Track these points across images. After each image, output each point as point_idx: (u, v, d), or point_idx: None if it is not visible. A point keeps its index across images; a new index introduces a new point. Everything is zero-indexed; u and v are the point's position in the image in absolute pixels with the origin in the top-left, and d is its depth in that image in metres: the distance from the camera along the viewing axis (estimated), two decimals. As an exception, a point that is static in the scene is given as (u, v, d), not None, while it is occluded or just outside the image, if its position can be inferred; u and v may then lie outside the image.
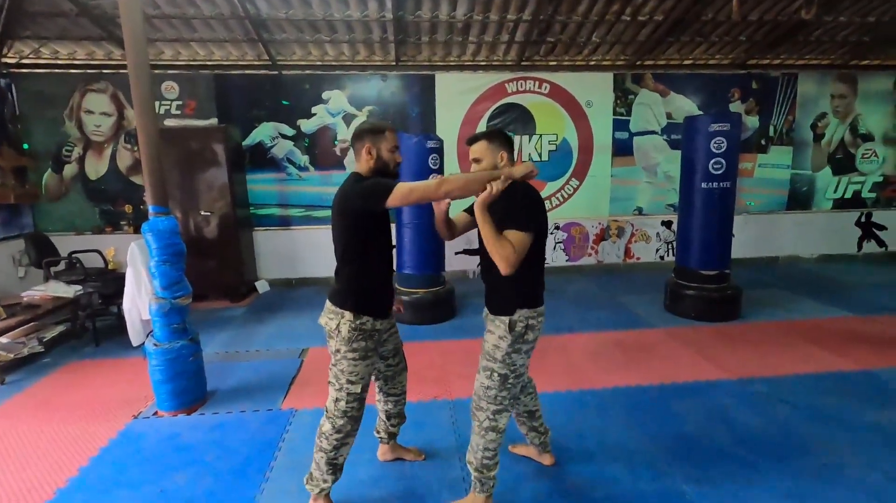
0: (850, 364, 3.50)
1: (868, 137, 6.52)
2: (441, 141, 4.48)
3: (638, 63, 6.04)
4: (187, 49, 5.43)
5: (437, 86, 5.85)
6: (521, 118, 6.02)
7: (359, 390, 2.03)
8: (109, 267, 5.35)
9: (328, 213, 5.87)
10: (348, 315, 1.98)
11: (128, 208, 5.70)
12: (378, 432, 2.48)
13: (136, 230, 5.69)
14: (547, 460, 2.43)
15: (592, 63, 6.06)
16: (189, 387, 3.01)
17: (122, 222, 5.72)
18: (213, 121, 5.51)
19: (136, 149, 5.56)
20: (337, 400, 2.03)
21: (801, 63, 6.28)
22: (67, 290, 4.14)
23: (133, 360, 3.84)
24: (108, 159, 5.61)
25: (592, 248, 6.35)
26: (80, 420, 2.97)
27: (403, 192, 1.79)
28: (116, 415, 3.01)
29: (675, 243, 6.32)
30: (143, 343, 4.06)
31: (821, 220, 6.64)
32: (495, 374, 1.99)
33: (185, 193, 5.15)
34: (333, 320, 2.00)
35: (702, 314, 4.43)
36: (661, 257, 6.46)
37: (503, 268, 1.80)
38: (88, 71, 5.46)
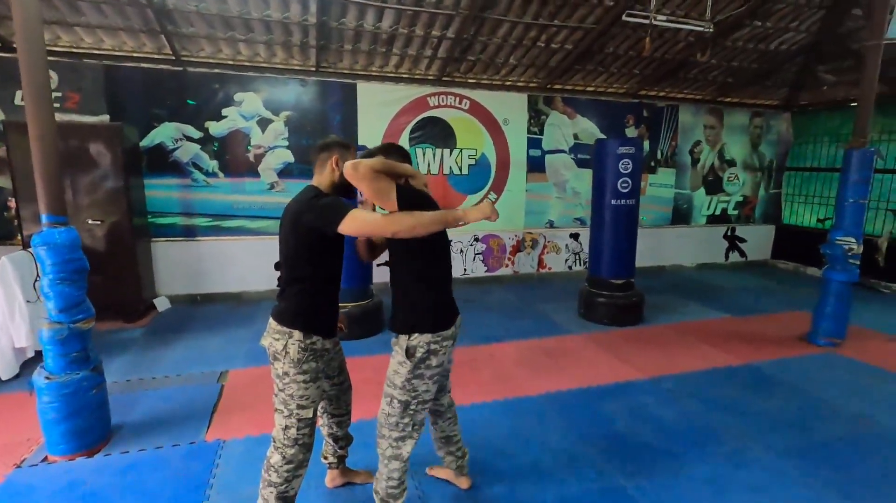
0: (735, 359, 4.04)
1: (732, 163, 7.64)
2: (366, 149, 4.39)
3: (549, 86, 6.48)
4: (69, 34, 4.74)
5: (359, 95, 5.75)
6: (442, 132, 6.13)
7: (310, 415, 1.91)
8: (-39, 285, 4.45)
9: (240, 222, 5.57)
10: (297, 335, 1.86)
11: (-14, 215, 4.79)
12: (325, 457, 2.34)
13: (-2, 241, 4.80)
14: (464, 483, 2.38)
15: (508, 83, 6.37)
16: (90, 426, 2.60)
17: (-23, 231, 4.78)
18: (104, 117, 4.86)
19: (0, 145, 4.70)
20: (286, 427, 1.88)
21: (681, 96, 7.19)
22: None
23: (3, 397, 3.21)
24: (-42, 156, 4.67)
25: (509, 258, 6.64)
26: (-62, 476, 2.42)
27: (358, 222, 1.70)
28: (-10, 466, 2.50)
29: (581, 254, 6.85)
30: (17, 376, 3.46)
31: (697, 234, 7.62)
32: (395, 401, 1.92)
33: (68, 199, 4.44)
34: (280, 341, 1.86)
35: (613, 319, 4.84)
36: (570, 267, 6.95)
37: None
38: (-67, 49, 4.53)
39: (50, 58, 4.69)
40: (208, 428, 2.89)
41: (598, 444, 2.77)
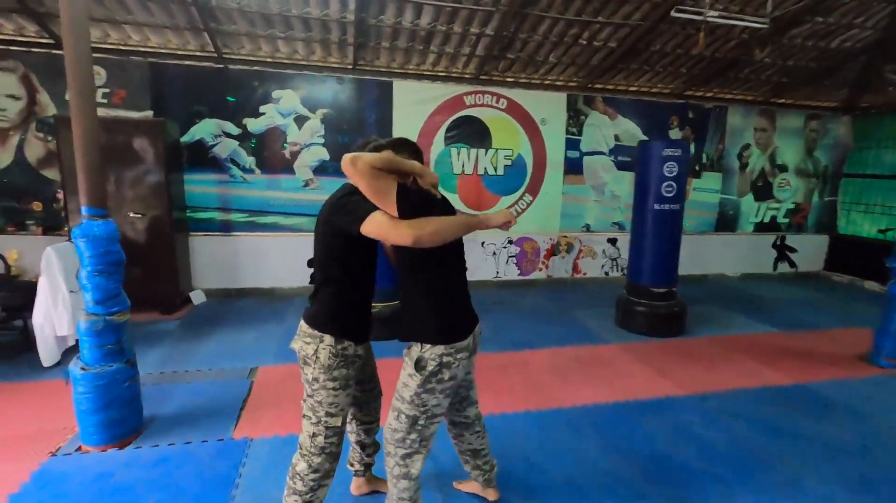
0: (785, 378, 3.77)
1: (783, 168, 7.22)
2: (404, 150, 4.33)
3: (589, 86, 6.27)
4: (118, 31, 4.88)
5: (395, 93, 5.70)
6: (478, 131, 6.02)
7: (339, 423, 1.83)
8: (12, 272, 4.65)
9: (274, 219, 5.60)
10: (328, 339, 1.78)
11: (36, 206, 4.98)
12: (351, 464, 2.28)
13: (47, 231, 4.99)
14: (491, 495, 2.27)
15: (547, 82, 6.20)
16: (123, 417, 2.62)
17: (28, 222, 4.98)
18: (148, 113, 4.99)
19: (51, 139, 4.88)
20: (314, 435, 1.81)
21: (730, 97, 6.84)
22: (-40, 301, 3.51)
23: (44, 384, 3.30)
24: (13, 149, 4.88)
25: (543, 262, 6.46)
26: (-21, 460, 2.49)
27: (376, 224, 1.61)
28: (27, 453, 2.55)
29: (619, 260, 6.61)
30: (57, 363, 3.55)
31: (743, 242, 7.24)
32: (402, 416, 1.81)
33: (109, 192, 4.58)
34: (311, 345, 1.79)
35: (652, 329, 4.61)
36: (606, 273, 6.71)
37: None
38: (-7, 46, 4.74)
39: (99, 55, 4.89)
40: (236, 424, 2.88)
41: (638, 464, 2.61)
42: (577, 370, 3.82)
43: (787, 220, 7.41)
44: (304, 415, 1.85)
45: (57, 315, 3.52)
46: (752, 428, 3.02)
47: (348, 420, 2.13)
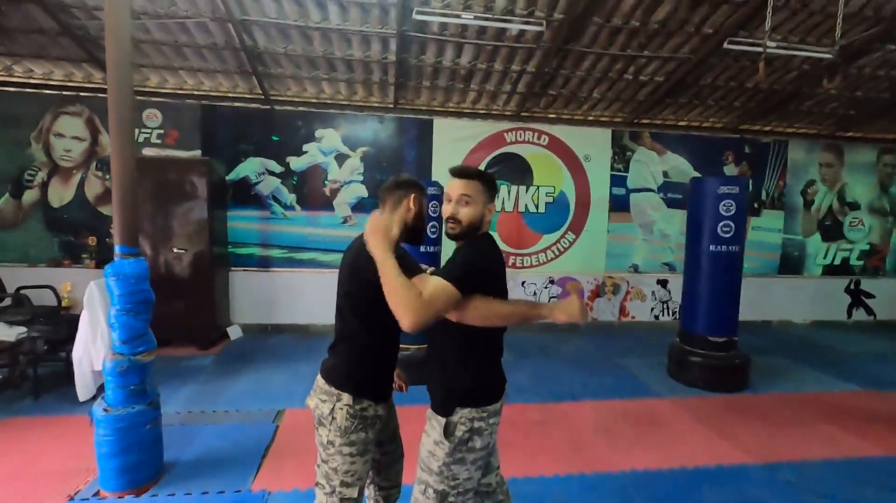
0: (875, 449, 3.25)
1: (854, 206, 6.63)
2: (441, 187, 4.24)
3: (635, 121, 6.05)
4: (175, 77, 5.16)
5: (434, 130, 5.70)
6: (518, 168, 5.90)
7: (355, 495, 1.63)
8: (63, 304, 4.82)
9: (312, 255, 5.60)
10: (346, 398, 1.61)
11: (91, 240, 5.21)
12: None
13: (99, 265, 5.18)
14: None
15: (591, 118, 6.04)
16: (142, 462, 2.53)
17: (83, 255, 5.21)
18: (197, 153, 5.18)
19: (108, 177, 5.14)
20: None
21: (790, 131, 6.42)
22: (9, 333, 3.60)
23: (78, 419, 3.29)
24: (74, 186, 5.17)
25: (588, 304, 6.12)
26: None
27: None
28: (48, 494, 2.49)
29: (670, 303, 6.17)
30: (93, 398, 3.55)
31: (811, 286, 6.62)
32: (430, 490, 1.57)
33: (157, 228, 4.73)
34: (327, 403, 1.62)
35: (710, 383, 4.17)
36: (657, 317, 6.27)
37: (405, 321, 1.38)
38: (64, 93, 5.10)
39: (157, 98, 5.16)
40: (256, 474, 2.72)
41: (698, 550, 2.24)
42: (625, 428, 3.46)
43: (860, 263, 6.74)
44: (317, 484, 1.66)
45: (95, 349, 3.54)
46: (839, 510, 2.57)
47: (366, 484, 1.91)
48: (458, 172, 1.64)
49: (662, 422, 3.58)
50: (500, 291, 1.59)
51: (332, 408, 1.61)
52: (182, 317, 4.72)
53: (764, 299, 6.43)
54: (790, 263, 6.54)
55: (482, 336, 1.59)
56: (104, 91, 5.08)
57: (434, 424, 1.59)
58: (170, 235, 4.77)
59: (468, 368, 1.59)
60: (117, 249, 2.47)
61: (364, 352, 1.67)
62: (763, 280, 6.44)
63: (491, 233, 1.71)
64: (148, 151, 5.00)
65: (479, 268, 1.54)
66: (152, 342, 2.59)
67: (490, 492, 1.84)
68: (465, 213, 1.59)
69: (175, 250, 4.76)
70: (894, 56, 4.94)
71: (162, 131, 5.25)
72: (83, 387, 3.53)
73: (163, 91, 5.26)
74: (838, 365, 5.01)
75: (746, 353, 4.36)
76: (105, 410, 2.45)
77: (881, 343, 5.98)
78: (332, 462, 1.61)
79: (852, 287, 6.73)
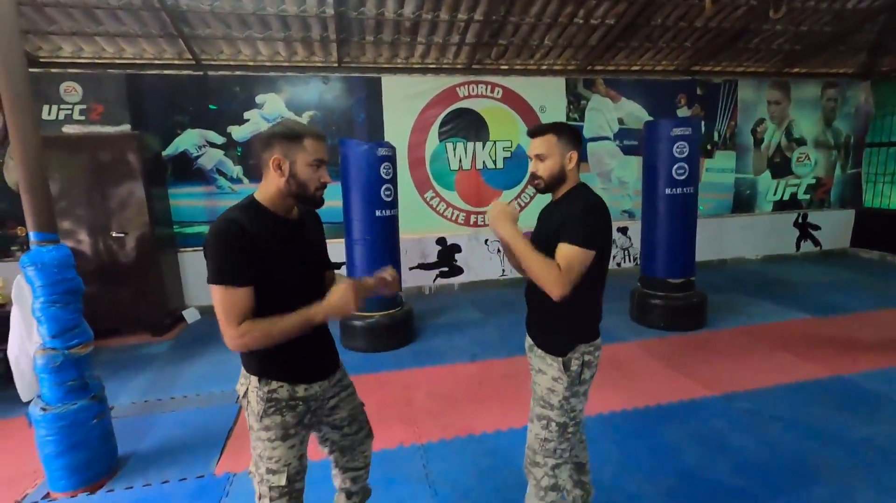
0: (824, 370, 3.43)
1: (802, 142, 6.82)
2: (393, 148, 4.07)
3: (588, 68, 5.94)
4: (91, 45, 4.68)
5: (383, 89, 5.44)
6: (473, 124, 5.74)
7: (283, 482, 1.47)
8: (-4, 302, 4.47)
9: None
10: (254, 380, 1.45)
11: (20, 230, 4.80)
12: None
13: (32, 256, 4.81)
14: None
15: (544, 67, 5.89)
16: (92, 459, 2.39)
17: (12, 247, 4.82)
18: (126, 127, 4.79)
19: (28, 160, 4.70)
20: (260, 496, 1.50)
21: (740, 70, 6.46)
22: (-68, 337, 3.31)
23: (20, 422, 3.09)
24: (-8, 173, 4.72)
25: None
26: (-62, 514, 2.28)
27: (241, 331, 1.31)
28: (-8, 502, 2.34)
29: (631, 249, 6.28)
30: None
31: (763, 222, 6.85)
32: (553, 424, 1.67)
33: (92, 212, 4.39)
34: (242, 387, 1.50)
35: (670, 324, 4.29)
36: (619, 264, 6.38)
37: (554, 293, 1.49)
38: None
39: (74, 70, 4.69)
40: (220, 458, 2.64)
41: (662, 482, 2.31)
42: (591, 374, 3.52)
43: (808, 197, 7.00)
44: (248, 472, 1.55)
45: (32, 346, 3.30)
46: (792, 432, 2.70)
47: (332, 465, 1.81)
48: (529, 133, 1.72)
49: (626, 364, 3.67)
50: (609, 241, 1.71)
51: (246, 391, 1.48)
52: (130, 303, 4.47)
53: (719, 238, 6.63)
54: (742, 202, 6.72)
55: (596, 277, 1.65)
56: (10, 64, 4.62)
57: (549, 362, 1.66)
58: (107, 219, 4.45)
59: (584, 307, 1.66)
60: (32, 237, 2.25)
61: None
62: (717, 220, 6.61)
63: (584, 182, 1.73)
64: (70, 129, 4.59)
65: (601, 219, 1.60)
66: (87, 333, 2.41)
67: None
68: (544, 168, 1.67)
69: (114, 234, 4.45)
70: (837, -13, 4.96)
71: (84, 106, 4.80)
72: (24, 386, 3.26)
73: (80, 61, 4.77)
74: (788, 295, 5.25)
75: (703, 292, 4.49)
76: (43, 409, 2.29)
77: (826, 271, 6.30)
78: (256, 448, 1.49)
79: (800, 220, 7.00)
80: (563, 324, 1.67)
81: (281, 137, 1.39)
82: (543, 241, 1.65)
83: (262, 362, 1.45)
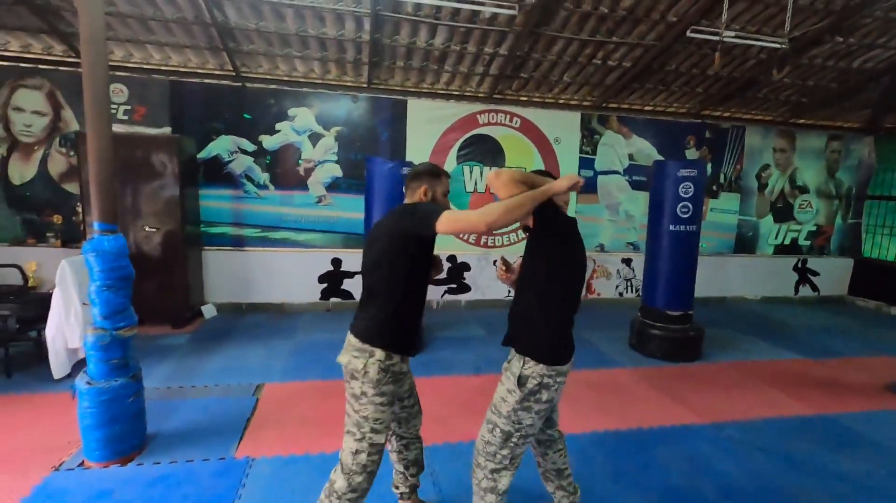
0: (810, 408, 3.61)
1: (804, 189, 7.06)
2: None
3: (604, 105, 6.24)
4: (141, 51, 5.02)
5: (408, 111, 5.75)
6: (491, 150, 6.02)
7: (382, 440, 1.83)
8: (30, 284, 4.73)
9: (286, 234, 5.64)
10: (379, 353, 1.79)
11: (57, 219, 5.09)
12: (396, 487, 2.23)
13: (65, 244, 5.09)
14: None
15: (561, 101, 6.20)
16: (126, 433, 2.60)
17: (48, 234, 5.09)
18: (166, 130, 5.10)
19: (72, 154, 5.01)
20: (356, 452, 1.79)
21: (748, 117, 6.75)
22: (-23, 312, 3.56)
23: (53, 397, 3.32)
24: (37, 163, 5.02)
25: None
26: (-17, 473, 2.48)
27: (451, 218, 1.67)
28: (31, 467, 2.54)
29: (634, 281, 6.49)
30: (68, 376, 3.57)
31: (763, 264, 7.06)
32: (497, 430, 1.85)
33: (126, 207, 4.66)
34: (359, 359, 1.80)
35: (667, 354, 4.48)
36: (621, 293, 6.58)
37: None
38: (22, 65, 4.91)
39: (122, 73, 5.03)
40: (239, 443, 2.84)
41: (649, 496, 2.49)
42: (588, 395, 3.71)
43: (808, 243, 7.21)
44: (347, 432, 1.83)
45: (69, 327, 3.54)
46: (773, 461, 2.87)
47: (392, 440, 2.13)
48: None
49: (622, 389, 3.85)
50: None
51: (366, 363, 1.78)
52: (154, 296, 4.70)
53: (720, 277, 6.83)
54: (744, 243, 6.94)
55: (566, 301, 1.86)
56: (66, 64, 4.97)
57: (509, 376, 1.83)
58: (139, 214, 4.72)
59: (550, 327, 1.82)
60: (96, 226, 2.50)
61: (399, 307, 1.84)
62: (719, 258, 6.83)
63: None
64: (114, 128, 4.87)
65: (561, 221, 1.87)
66: (133, 317, 2.64)
67: (552, 441, 2.11)
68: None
69: (146, 229, 4.72)
70: (842, 48, 5.26)
71: (129, 107, 5.13)
72: (57, 365, 3.53)
73: (128, 65, 5.11)
74: (783, 336, 5.43)
75: (701, 326, 4.69)
76: (88, 384, 2.51)
77: (822, 316, 6.47)
78: (363, 411, 1.79)
79: (799, 265, 7.20)
80: (527, 333, 1.84)
81: (428, 174, 1.94)
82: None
83: (390, 337, 1.80)
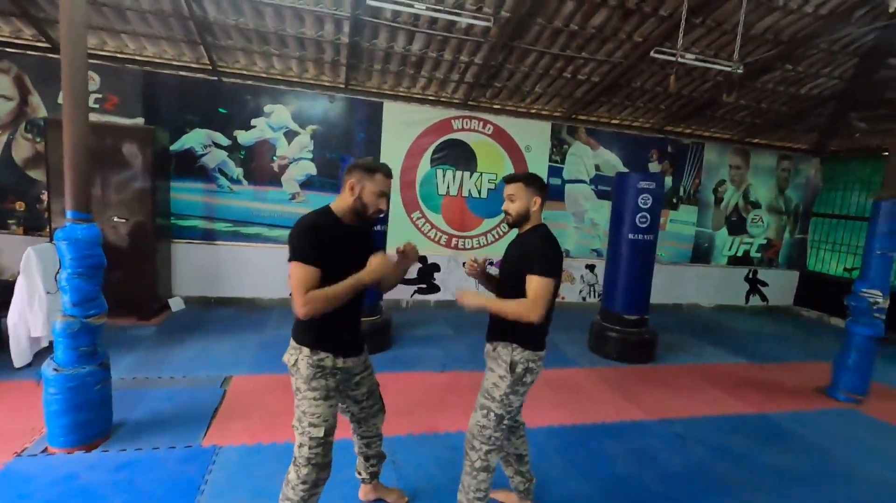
0: (749, 407, 3.90)
1: (757, 205, 7.51)
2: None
3: (573, 116, 6.51)
4: (115, 40, 4.97)
5: (384, 113, 5.86)
6: (464, 154, 6.19)
7: (321, 434, 1.86)
8: (-11, 271, 4.61)
9: (258, 230, 5.67)
10: (306, 351, 1.88)
11: (19, 205, 4.97)
12: (359, 473, 2.37)
13: (27, 231, 4.98)
14: None
15: (533, 111, 6.43)
16: (92, 420, 2.63)
17: (9, 221, 4.97)
18: (139, 120, 5.06)
19: (39, 140, 4.91)
20: (300, 445, 1.88)
21: (707, 135, 7.14)
22: (-66, 298, 3.48)
23: (14, 384, 3.29)
24: (0, 148, 4.90)
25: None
26: (-59, 458, 2.47)
27: (307, 298, 1.73)
28: (-8, 452, 2.54)
29: (596, 286, 6.76)
30: (29, 365, 3.53)
31: (717, 274, 7.46)
32: (492, 414, 2.01)
33: (95, 196, 4.60)
34: (293, 356, 1.91)
35: (623, 355, 4.73)
36: (584, 298, 6.85)
37: (533, 319, 1.84)
38: (-12, 47, 4.80)
39: (94, 61, 4.98)
40: (206, 432, 2.89)
41: (597, 485, 2.68)
42: (546, 392, 3.90)
43: (759, 255, 7.67)
44: (292, 426, 1.91)
45: (32, 316, 3.51)
46: (712, 454, 3.12)
47: (352, 432, 2.24)
48: (504, 179, 2.12)
49: (578, 387, 4.07)
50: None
51: (296, 360, 1.88)
52: (121, 287, 4.61)
53: (677, 284, 7.19)
54: (701, 253, 7.33)
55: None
56: (35, 49, 4.88)
57: (500, 363, 2.00)
58: (108, 204, 4.67)
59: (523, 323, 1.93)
60: (69, 214, 2.52)
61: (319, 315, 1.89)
62: (677, 268, 7.19)
63: (544, 222, 2.12)
64: (85, 116, 4.81)
65: (555, 252, 1.97)
66: (104, 306, 2.67)
67: (516, 427, 2.29)
68: (513, 208, 2.06)
69: (115, 219, 4.67)
70: (792, 75, 5.67)
71: (100, 96, 5.06)
72: (18, 353, 3.50)
73: (101, 53, 5.05)
74: (732, 342, 5.78)
75: (655, 330, 4.96)
76: (55, 370, 2.53)
77: (769, 324, 6.90)
78: (301, 406, 1.88)
79: (750, 276, 7.65)
80: (510, 323, 1.95)
81: (361, 168, 1.88)
82: (510, 266, 2.07)
83: (314, 336, 1.87)
